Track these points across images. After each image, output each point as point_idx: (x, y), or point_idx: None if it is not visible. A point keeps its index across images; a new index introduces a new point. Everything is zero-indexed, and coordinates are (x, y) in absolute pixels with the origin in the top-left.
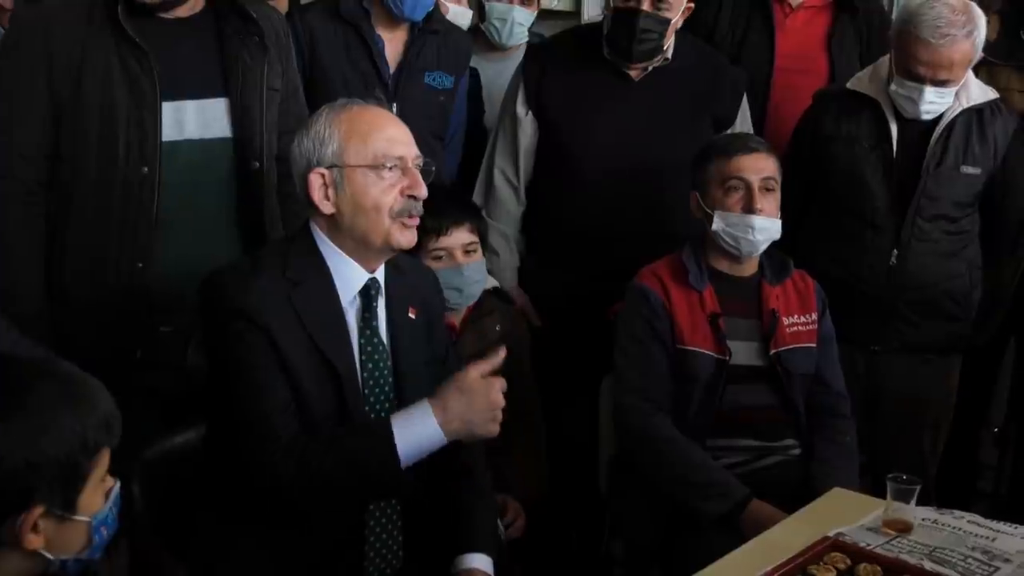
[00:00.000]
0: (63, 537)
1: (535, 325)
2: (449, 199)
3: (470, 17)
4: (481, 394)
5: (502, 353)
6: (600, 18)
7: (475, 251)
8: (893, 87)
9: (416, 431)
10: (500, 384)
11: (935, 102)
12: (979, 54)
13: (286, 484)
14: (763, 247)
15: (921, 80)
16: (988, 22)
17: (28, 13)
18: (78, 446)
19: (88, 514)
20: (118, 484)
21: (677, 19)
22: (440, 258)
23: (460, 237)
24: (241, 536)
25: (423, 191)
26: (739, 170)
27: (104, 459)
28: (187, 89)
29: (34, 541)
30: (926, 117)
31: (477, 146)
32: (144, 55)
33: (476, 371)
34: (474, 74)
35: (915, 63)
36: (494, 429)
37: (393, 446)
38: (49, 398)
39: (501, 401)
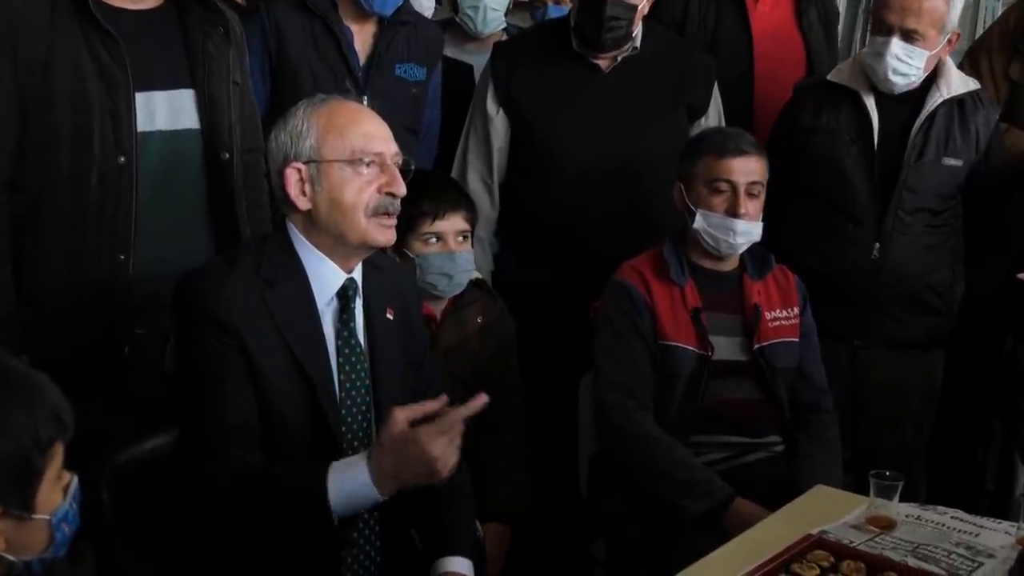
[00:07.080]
0: (24, 537)
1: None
2: (447, 184)
3: (433, 2)
4: (413, 448)
5: (442, 399)
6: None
7: (467, 240)
8: (865, 49)
9: (350, 491)
10: (430, 435)
11: (902, 60)
12: (954, 24)
13: (221, 507)
14: (742, 249)
15: (890, 30)
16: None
17: None
18: (30, 443)
19: (47, 512)
20: (75, 478)
21: (643, 5)
22: (432, 242)
23: (455, 223)
24: (216, 536)
25: (401, 188)
26: (728, 172)
27: (58, 454)
28: (156, 80)
29: None
30: (895, 80)
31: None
32: (115, 44)
33: (404, 419)
34: (467, 69)
35: (885, 11)
36: (436, 478)
37: (327, 505)
38: None
39: (438, 455)
